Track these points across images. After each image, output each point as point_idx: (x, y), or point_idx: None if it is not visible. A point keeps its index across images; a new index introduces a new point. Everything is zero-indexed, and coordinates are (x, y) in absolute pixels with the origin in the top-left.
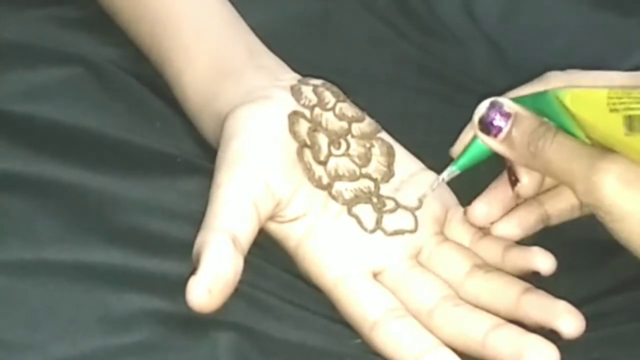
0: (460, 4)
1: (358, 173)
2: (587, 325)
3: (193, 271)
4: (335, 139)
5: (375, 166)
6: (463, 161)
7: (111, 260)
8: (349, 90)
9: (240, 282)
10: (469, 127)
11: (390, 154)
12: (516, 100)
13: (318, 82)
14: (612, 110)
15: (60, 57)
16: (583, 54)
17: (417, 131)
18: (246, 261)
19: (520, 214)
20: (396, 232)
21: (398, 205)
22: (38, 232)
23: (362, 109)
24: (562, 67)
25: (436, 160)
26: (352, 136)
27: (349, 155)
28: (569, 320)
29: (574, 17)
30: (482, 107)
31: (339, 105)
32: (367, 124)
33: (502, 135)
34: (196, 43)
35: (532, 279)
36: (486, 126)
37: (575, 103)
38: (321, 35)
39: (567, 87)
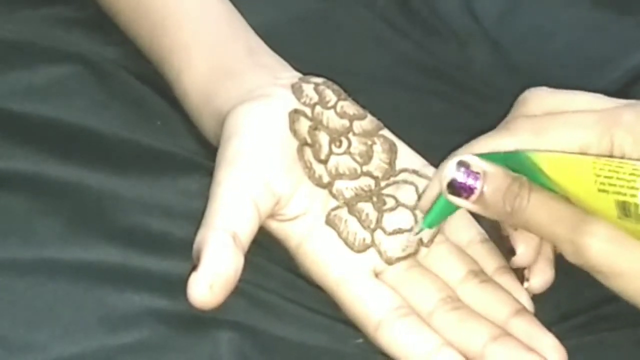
0: (460, 4)
1: (359, 171)
2: (586, 330)
3: (193, 268)
4: (336, 137)
5: (377, 164)
6: (432, 218)
7: (111, 259)
8: (350, 90)
9: (242, 281)
10: (435, 181)
11: (392, 151)
12: (484, 156)
13: (319, 80)
14: (601, 191)
15: (60, 56)
16: (583, 53)
17: (417, 131)
18: (247, 260)
19: (544, 255)
20: (396, 231)
21: (398, 204)
22: (38, 231)
23: (363, 107)
24: (561, 67)
25: (437, 159)
26: (354, 134)
27: (350, 153)
28: (553, 357)
29: (574, 16)
30: (449, 170)
31: (340, 103)
32: (368, 122)
33: (473, 197)
34: (196, 43)
35: None
36: (456, 189)
37: (555, 172)
38: (322, 35)
39: (538, 151)
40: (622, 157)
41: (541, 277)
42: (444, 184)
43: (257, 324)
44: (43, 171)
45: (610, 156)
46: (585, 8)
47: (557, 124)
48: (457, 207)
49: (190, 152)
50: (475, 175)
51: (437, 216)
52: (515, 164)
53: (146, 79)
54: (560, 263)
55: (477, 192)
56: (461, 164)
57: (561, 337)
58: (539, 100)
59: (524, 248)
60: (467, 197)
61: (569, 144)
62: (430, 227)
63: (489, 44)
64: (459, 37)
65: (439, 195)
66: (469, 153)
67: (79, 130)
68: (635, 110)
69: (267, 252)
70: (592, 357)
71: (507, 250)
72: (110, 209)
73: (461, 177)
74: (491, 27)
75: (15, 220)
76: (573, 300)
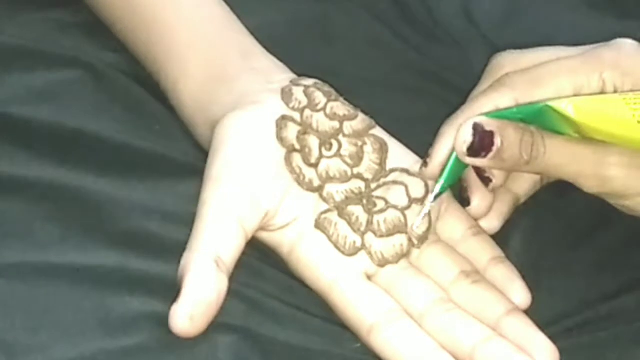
0: (459, 7)
1: (349, 174)
2: (583, 330)
3: (177, 294)
4: (326, 140)
5: (367, 165)
6: (447, 179)
7: (111, 263)
8: (348, 93)
9: (240, 284)
10: (442, 145)
11: (382, 151)
12: (495, 114)
13: (310, 82)
14: None
15: (60, 60)
16: None
17: (416, 134)
18: (245, 263)
19: (496, 207)
20: (387, 233)
21: (388, 206)
22: (38, 235)
23: (354, 107)
24: None
25: None
26: (344, 135)
27: (340, 155)
28: (544, 357)
29: (572, 20)
30: (466, 134)
31: (330, 104)
32: (359, 121)
33: (492, 154)
34: (191, 51)
35: (540, 275)
36: (475, 151)
37: (584, 114)
38: (321, 38)
39: (561, 97)
40: (614, 92)
41: (489, 222)
42: (464, 149)
43: (255, 327)
44: (43, 175)
45: (602, 93)
46: (585, 12)
47: (550, 73)
48: (467, 165)
49: (189, 157)
50: (490, 134)
51: (451, 176)
52: (531, 116)
53: (145, 84)
54: (557, 263)
55: (494, 150)
56: (476, 126)
57: (558, 338)
58: (514, 61)
59: (478, 200)
60: (485, 156)
61: (564, 89)
62: (449, 187)
63: (488, 48)
64: (457, 41)
65: (449, 157)
66: (473, 114)
67: (78, 134)
68: (612, 49)
69: (264, 255)
70: (589, 357)
71: (463, 202)
72: (110, 213)
73: (478, 138)
74: (490, 31)
75: (15, 224)
76: (569, 300)
